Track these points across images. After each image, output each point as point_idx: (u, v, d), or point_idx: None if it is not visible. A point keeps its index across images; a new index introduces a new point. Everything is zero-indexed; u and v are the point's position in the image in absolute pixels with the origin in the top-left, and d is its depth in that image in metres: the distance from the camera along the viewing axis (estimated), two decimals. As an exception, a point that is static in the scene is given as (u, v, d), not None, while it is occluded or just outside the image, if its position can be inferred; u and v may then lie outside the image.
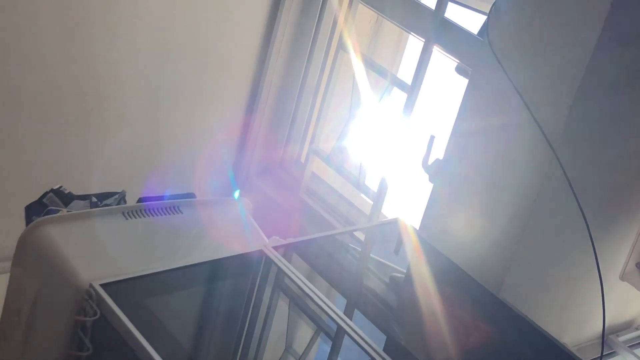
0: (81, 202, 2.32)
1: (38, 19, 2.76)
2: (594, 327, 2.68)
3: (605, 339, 2.63)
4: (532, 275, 2.45)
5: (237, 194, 3.03)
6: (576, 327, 2.64)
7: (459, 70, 2.73)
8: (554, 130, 2.25)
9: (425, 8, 2.90)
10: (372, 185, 3.17)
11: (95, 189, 2.46)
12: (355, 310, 2.38)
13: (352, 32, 3.21)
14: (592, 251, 2.25)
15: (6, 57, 2.75)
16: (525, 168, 2.33)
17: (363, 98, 3.22)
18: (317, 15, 3.41)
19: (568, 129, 2.25)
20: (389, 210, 3.15)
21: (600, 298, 2.28)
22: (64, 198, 2.33)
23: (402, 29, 3.14)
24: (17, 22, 2.74)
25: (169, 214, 2.24)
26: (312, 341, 2.58)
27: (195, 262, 2.10)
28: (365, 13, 3.37)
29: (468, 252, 2.47)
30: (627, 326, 2.79)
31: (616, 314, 2.72)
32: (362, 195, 3.24)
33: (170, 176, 3.39)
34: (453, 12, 2.84)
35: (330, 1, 3.37)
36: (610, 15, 2.13)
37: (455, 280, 2.39)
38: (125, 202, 2.44)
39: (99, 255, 2.01)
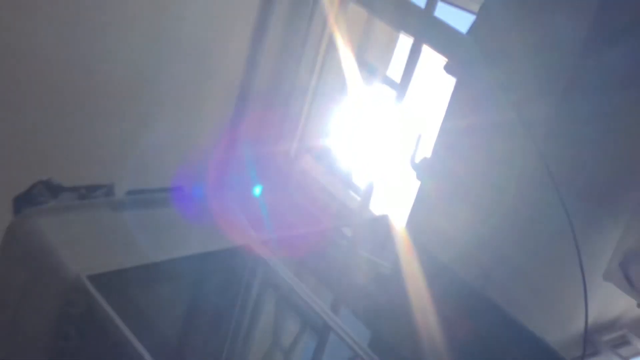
0: (70, 194, 2.32)
1: (30, 15, 2.76)
2: (578, 326, 2.69)
3: (588, 337, 2.64)
4: (518, 272, 2.45)
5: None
6: (560, 325, 2.65)
7: (448, 68, 2.73)
8: (540, 129, 2.26)
9: (415, 7, 2.91)
10: (361, 182, 3.18)
11: (84, 181, 2.46)
12: (342, 306, 2.39)
13: (343, 30, 3.21)
14: (576, 250, 2.26)
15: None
16: (511, 166, 2.34)
17: (353, 96, 3.23)
18: (309, 14, 3.41)
19: (555, 128, 2.26)
20: (377, 207, 3.15)
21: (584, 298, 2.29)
22: (53, 189, 2.33)
23: (392, 27, 3.15)
24: (8, 18, 2.73)
25: (158, 207, 2.24)
26: (299, 336, 2.59)
27: (183, 255, 2.10)
28: (357, 12, 3.37)
29: (454, 249, 2.48)
30: (610, 325, 2.80)
31: (600, 313, 2.72)
32: (351, 192, 3.24)
33: (159, 170, 3.39)
34: (443, 12, 2.84)
35: (321, 0, 3.37)
36: (598, 15, 2.14)
37: (441, 276, 2.40)
38: (113, 194, 2.44)
39: (87, 247, 2.01)
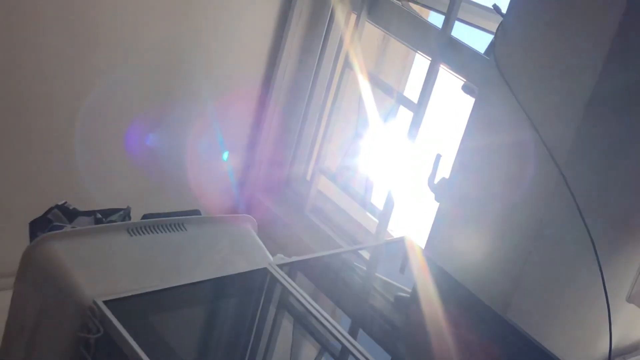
0: (86, 218, 2.32)
1: (43, 34, 2.77)
2: (601, 349, 2.66)
3: (612, 360, 2.62)
4: (539, 295, 2.43)
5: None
6: (583, 349, 2.62)
7: (466, 89, 2.73)
8: (560, 150, 2.24)
9: (432, 27, 2.91)
10: (378, 203, 3.17)
11: (100, 205, 2.46)
12: (360, 330, 2.37)
13: (358, 50, 3.21)
14: (599, 272, 2.24)
15: (11, 73, 2.76)
16: (532, 188, 2.32)
17: (369, 116, 3.22)
18: (324, 34, 3.42)
19: (575, 149, 2.24)
20: (395, 229, 3.14)
21: (607, 320, 2.26)
22: (69, 214, 2.33)
23: (409, 47, 3.15)
24: (24, 38, 2.75)
25: (174, 231, 2.24)
26: (316, 360, 2.57)
27: (199, 279, 2.09)
28: (372, 31, 3.37)
29: (474, 272, 2.46)
30: (633, 348, 2.77)
31: (623, 336, 2.70)
32: (368, 213, 3.23)
33: (175, 193, 3.39)
34: (460, 31, 2.84)
35: (336, 19, 3.38)
36: (617, 37, 2.13)
37: (461, 300, 2.38)
38: (130, 218, 2.44)
39: (102, 271, 2.01)
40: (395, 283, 2.58)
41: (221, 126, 3.43)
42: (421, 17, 3.05)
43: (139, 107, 3.14)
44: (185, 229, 2.26)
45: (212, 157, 3.47)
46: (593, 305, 2.46)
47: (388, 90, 3.14)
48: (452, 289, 2.43)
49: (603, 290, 2.26)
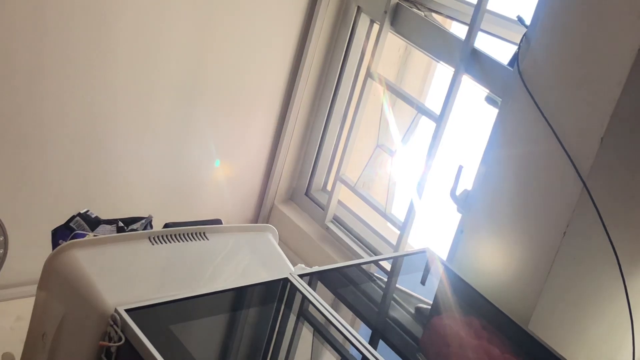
0: (108, 227, 2.33)
1: (59, 43, 2.79)
2: (624, 364, 2.64)
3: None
4: (562, 309, 2.42)
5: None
6: (606, 364, 2.60)
7: (489, 100, 2.72)
8: (584, 162, 2.24)
9: (455, 37, 2.91)
10: (399, 214, 3.16)
11: (122, 213, 2.47)
12: (380, 340, 2.37)
13: (380, 60, 3.22)
14: (622, 285, 2.22)
15: (32, 83, 2.78)
16: (555, 200, 2.32)
17: (391, 127, 3.22)
18: (346, 44, 3.43)
19: (599, 161, 2.23)
20: (416, 240, 3.13)
21: (631, 334, 2.25)
22: (91, 222, 2.35)
23: (431, 58, 3.15)
24: (49, 46, 2.77)
25: (195, 240, 2.24)
26: (336, 371, 2.57)
27: (220, 289, 2.10)
28: (394, 42, 3.38)
29: (496, 284, 2.45)
30: (657, 363, 2.75)
31: (646, 350, 2.68)
32: (389, 224, 3.23)
33: (197, 202, 3.40)
34: (483, 42, 2.84)
35: (358, 30, 3.39)
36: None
37: (482, 312, 2.38)
38: (151, 227, 2.45)
39: (124, 280, 2.02)
40: (415, 294, 2.58)
41: (242, 136, 3.44)
42: (444, 27, 3.04)
43: (161, 116, 3.15)
44: (207, 238, 2.26)
45: (234, 167, 3.48)
46: (616, 319, 2.44)
47: (410, 101, 3.13)
48: (473, 301, 2.42)
49: (626, 303, 2.24)
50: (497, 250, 2.49)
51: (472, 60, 2.80)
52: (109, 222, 2.35)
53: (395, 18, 3.13)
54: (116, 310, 1.87)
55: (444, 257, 2.64)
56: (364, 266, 2.58)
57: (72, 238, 2.22)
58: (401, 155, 3.20)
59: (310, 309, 2.20)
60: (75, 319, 1.96)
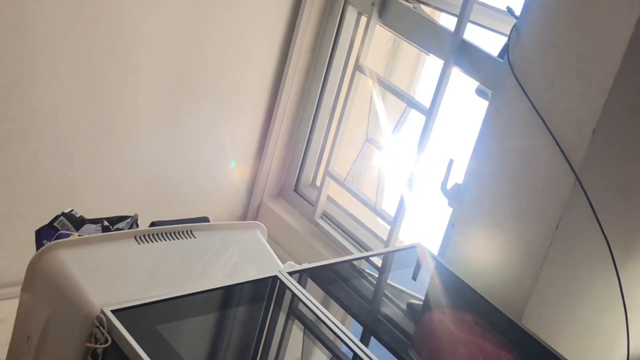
0: (93, 226, 2.32)
1: (46, 40, 2.78)
2: (618, 357, 2.65)
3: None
4: (555, 303, 2.43)
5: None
6: (599, 357, 2.61)
7: (479, 92, 2.72)
8: (576, 154, 2.24)
9: (444, 29, 2.91)
10: (389, 209, 3.16)
11: (107, 212, 2.46)
12: (372, 337, 2.37)
13: (368, 53, 3.21)
14: (616, 278, 2.23)
15: (14, 81, 2.77)
16: (547, 193, 2.32)
17: (380, 120, 3.22)
18: (333, 37, 3.42)
19: (591, 153, 2.23)
20: (407, 235, 3.13)
21: (625, 326, 2.25)
22: (75, 222, 2.34)
23: (420, 50, 3.15)
24: (29, 42, 2.75)
25: (182, 238, 2.24)
26: (327, 369, 2.57)
27: (209, 288, 2.09)
28: (383, 34, 3.37)
29: (488, 279, 2.45)
30: (652, 356, 2.76)
31: (640, 343, 2.69)
32: (379, 219, 3.23)
33: (183, 199, 3.39)
34: (472, 34, 2.84)
35: (346, 22, 3.38)
36: (633, 39, 2.13)
37: (475, 307, 2.38)
38: (137, 226, 2.44)
39: (110, 280, 2.01)
40: (407, 290, 2.58)
41: (229, 131, 3.43)
42: (433, 19, 3.04)
43: (145, 111, 3.14)
44: (194, 237, 2.26)
45: (220, 163, 3.48)
46: (610, 312, 2.45)
47: (399, 94, 3.13)
48: (465, 296, 2.43)
49: (620, 296, 2.25)
50: (489, 244, 2.49)
51: (461, 52, 2.80)
52: (94, 221, 2.35)
53: (384, 10, 3.12)
54: (102, 311, 1.86)
55: (435, 252, 2.64)
56: (354, 262, 2.58)
57: (57, 238, 2.20)
58: (391, 149, 3.20)
59: (300, 306, 2.20)
60: (60, 320, 1.96)
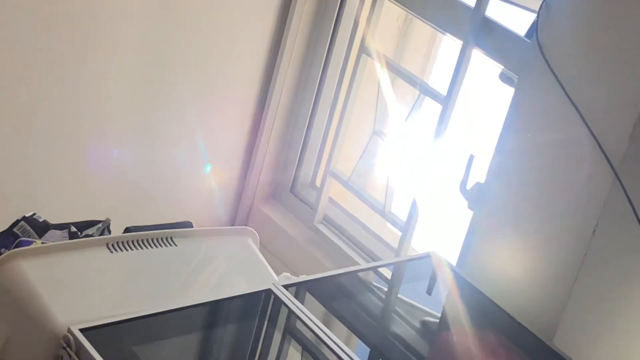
0: (58, 232, 2.33)
1: (6, 25, 2.77)
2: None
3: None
4: (592, 321, 2.43)
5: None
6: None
7: (503, 77, 2.73)
8: (616, 149, 2.24)
9: (463, 5, 2.91)
10: (401, 213, 3.17)
11: (74, 216, 2.46)
12: (380, 360, 2.38)
13: (376, 33, 3.22)
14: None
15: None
16: (582, 194, 2.32)
17: (389, 110, 3.23)
18: (335, 15, 3.42)
19: (632, 148, 2.23)
20: (420, 243, 3.14)
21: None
22: (38, 227, 2.34)
23: (435, 29, 3.15)
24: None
25: (162, 246, 2.24)
26: (328, 396, 2.57)
27: (192, 303, 2.09)
28: (392, 10, 3.38)
29: (514, 293, 2.45)
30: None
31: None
32: (389, 224, 3.23)
33: (162, 202, 3.40)
34: (495, 10, 2.84)
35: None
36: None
37: (499, 326, 2.38)
38: (109, 232, 2.44)
39: (79, 294, 2.01)
40: (421, 306, 2.58)
41: (215, 123, 3.43)
42: (450, -7, 3.05)
43: (119, 101, 3.14)
44: (175, 244, 2.26)
45: (205, 160, 3.48)
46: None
47: (411, 79, 3.13)
48: (488, 313, 2.43)
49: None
50: (515, 253, 2.50)
51: (483, 32, 2.80)
52: (60, 226, 2.35)
53: (393, -17, 3.13)
54: (69, 330, 1.86)
55: (453, 262, 2.64)
56: (360, 274, 2.58)
57: (17, 246, 2.21)
58: (402, 143, 3.21)
59: (298, 324, 2.21)
60: (21, 340, 1.95)
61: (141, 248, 2.20)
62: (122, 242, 2.18)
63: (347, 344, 2.13)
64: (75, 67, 2.98)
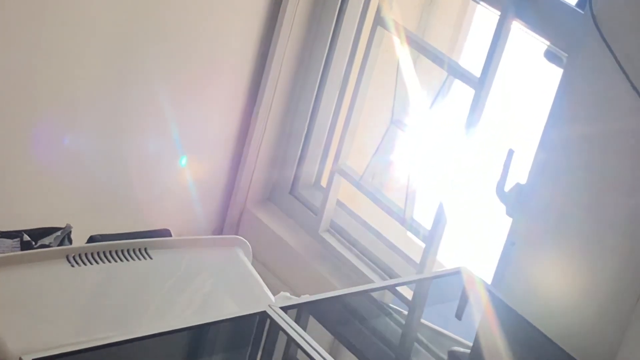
0: (8, 241, 2.33)
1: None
2: None
3: None
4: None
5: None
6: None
7: (550, 55, 2.73)
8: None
9: (501, -32, 2.92)
10: (424, 220, 3.17)
11: (27, 223, 2.47)
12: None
13: (395, 1, 3.22)
14: None
15: None
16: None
17: (411, 96, 3.23)
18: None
19: None
20: (448, 257, 3.14)
21: None
22: (-17, 236, 2.35)
23: (466, -3, 3.16)
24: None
25: (133, 259, 2.25)
26: None
27: (171, 329, 2.09)
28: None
29: (562, 318, 2.46)
30: None
31: None
32: (409, 234, 3.24)
33: (135, 205, 3.40)
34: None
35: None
36: None
37: (544, 357, 2.38)
38: (70, 241, 2.45)
39: (33, 317, 2.02)
40: (448, 333, 2.59)
41: (198, 111, 3.43)
42: (485, -47, 3.05)
43: (85, 85, 3.15)
44: (150, 257, 2.28)
45: (186, 156, 3.48)
46: None
47: (438, 58, 3.13)
48: (530, 341, 2.43)
49: None
50: (563, 268, 2.50)
51: (525, 0, 2.80)
52: (10, 234, 2.36)
53: (416, -59, 3.14)
54: (21, 360, 1.87)
55: (488, 279, 2.65)
56: (374, 294, 2.59)
57: (-42, 258, 2.21)
58: (426, 135, 3.21)
59: (299, 355, 2.21)
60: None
61: (108, 261, 2.21)
62: (85, 254, 2.19)
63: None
64: (31, 39, 2.99)
